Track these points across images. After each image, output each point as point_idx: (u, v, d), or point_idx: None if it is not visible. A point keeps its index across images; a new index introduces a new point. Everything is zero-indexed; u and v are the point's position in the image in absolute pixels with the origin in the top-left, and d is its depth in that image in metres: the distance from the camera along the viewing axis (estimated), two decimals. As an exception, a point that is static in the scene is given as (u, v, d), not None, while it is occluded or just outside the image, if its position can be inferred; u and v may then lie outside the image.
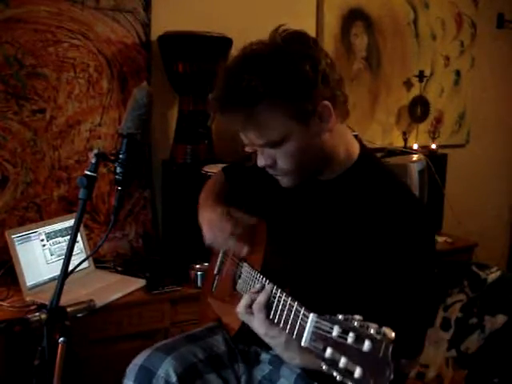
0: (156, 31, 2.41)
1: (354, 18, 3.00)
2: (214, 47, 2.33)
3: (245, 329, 1.27)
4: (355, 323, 0.85)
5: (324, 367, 0.87)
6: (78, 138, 2.36)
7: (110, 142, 2.42)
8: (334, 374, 0.85)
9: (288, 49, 1.12)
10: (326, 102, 1.14)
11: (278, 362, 1.36)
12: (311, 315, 0.97)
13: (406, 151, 3.02)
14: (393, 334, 0.81)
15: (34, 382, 1.14)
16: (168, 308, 2.12)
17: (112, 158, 1.25)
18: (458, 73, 3.43)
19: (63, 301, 1.20)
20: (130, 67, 2.42)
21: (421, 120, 3.21)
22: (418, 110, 3.18)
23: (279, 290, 1.11)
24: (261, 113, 1.11)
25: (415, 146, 3.12)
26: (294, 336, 1.02)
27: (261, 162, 1.21)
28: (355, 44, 3.04)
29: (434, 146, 3.21)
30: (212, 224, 1.39)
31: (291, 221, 1.33)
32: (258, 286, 1.18)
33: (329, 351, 0.87)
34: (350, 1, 2.97)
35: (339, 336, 0.86)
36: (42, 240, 2.12)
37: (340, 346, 0.85)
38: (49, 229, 2.15)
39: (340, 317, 0.88)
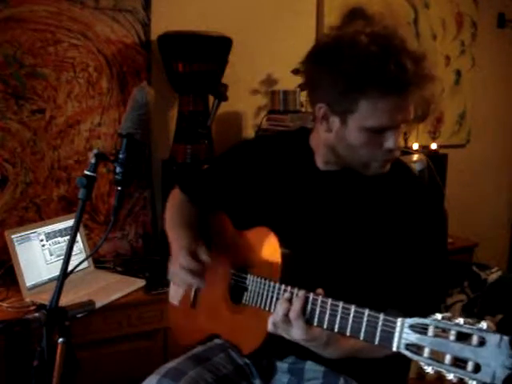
0: (156, 31, 2.41)
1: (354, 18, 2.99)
2: (214, 47, 2.33)
3: (267, 344, 1.22)
4: (456, 321, 0.85)
5: (427, 369, 0.87)
6: (77, 138, 2.36)
7: (109, 142, 2.41)
8: (441, 369, 0.85)
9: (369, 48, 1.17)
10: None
11: (297, 369, 1.34)
12: (399, 320, 0.94)
13: (406, 151, 3.01)
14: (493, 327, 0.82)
15: (34, 383, 1.13)
16: (168, 308, 2.11)
17: (112, 157, 1.25)
18: (458, 72, 3.43)
19: (63, 301, 1.20)
20: (130, 67, 2.42)
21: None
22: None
23: (320, 297, 1.09)
24: None
25: (415, 146, 3.11)
26: (378, 342, 0.97)
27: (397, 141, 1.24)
28: (355, 44, 3.03)
29: (434, 146, 3.21)
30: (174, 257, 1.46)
31: (302, 219, 1.31)
32: (286, 294, 1.14)
33: (427, 350, 0.87)
34: (350, 1, 2.96)
35: (436, 335, 0.86)
36: (42, 240, 2.12)
37: (442, 344, 0.85)
38: (48, 229, 2.15)
39: (438, 316, 0.88)
